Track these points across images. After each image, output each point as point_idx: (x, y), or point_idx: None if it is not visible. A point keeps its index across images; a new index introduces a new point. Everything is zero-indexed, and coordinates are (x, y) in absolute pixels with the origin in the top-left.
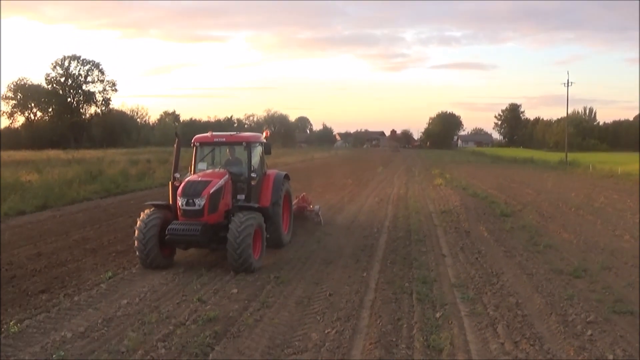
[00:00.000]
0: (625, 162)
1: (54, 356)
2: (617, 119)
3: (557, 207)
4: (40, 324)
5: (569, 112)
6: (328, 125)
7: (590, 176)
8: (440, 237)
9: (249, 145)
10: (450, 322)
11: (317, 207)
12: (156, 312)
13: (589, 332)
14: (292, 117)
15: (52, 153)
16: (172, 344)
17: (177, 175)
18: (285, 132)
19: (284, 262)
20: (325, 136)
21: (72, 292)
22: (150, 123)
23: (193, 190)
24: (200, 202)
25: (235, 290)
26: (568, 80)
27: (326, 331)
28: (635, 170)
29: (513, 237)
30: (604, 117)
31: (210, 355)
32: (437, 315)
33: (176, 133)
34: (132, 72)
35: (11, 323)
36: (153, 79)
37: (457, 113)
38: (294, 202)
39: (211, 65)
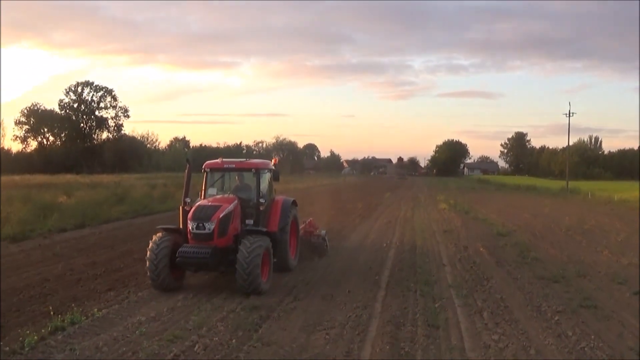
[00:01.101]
0: (623, 190)
1: (136, 332)
2: (623, 147)
3: (549, 229)
4: (117, 312)
5: (574, 141)
6: (336, 152)
7: (587, 203)
8: (441, 251)
9: (257, 171)
10: (446, 309)
11: (323, 231)
12: (209, 303)
13: (556, 318)
14: (300, 144)
15: (69, 177)
16: (229, 324)
17: (188, 200)
18: (293, 159)
19: (308, 269)
20: (333, 163)
21: (135, 290)
22: (161, 149)
23: (203, 215)
24: (210, 226)
25: (269, 291)
26: (570, 111)
27: (348, 315)
28: (630, 197)
29: (505, 252)
30: (610, 146)
31: (260, 331)
32: (436, 305)
33: (187, 159)
34: (141, 98)
35: (95, 310)
36: (162, 105)
37: (463, 141)
38: (301, 227)
39: (219, 91)
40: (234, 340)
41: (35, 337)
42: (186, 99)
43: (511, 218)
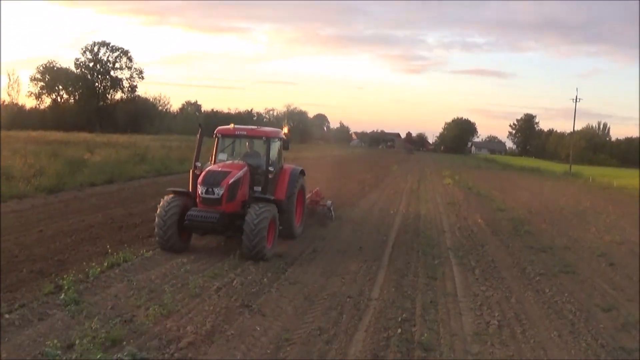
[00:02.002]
0: (624, 177)
1: (182, 269)
2: (630, 136)
3: (545, 207)
4: (162, 254)
5: (583, 126)
6: (345, 123)
7: (587, 187)
8: (443, 220)
9: (268, 140)
10: (443, 265)
11: (329, 202)
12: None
13: (538, 279)
14: (310, 114)
15: (86, 135)
16: (259, 267)
17: (199, 164)
18: (303, 128)
19: (323, 230)
20: (342, 134)
21: None
22: (172, 111)
23: (213, 180)
24: (219, 192)
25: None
26: (576, 96)
27: (360, 266)
28: (629, 185)
29: (501, 224)
30: (620, 133)
31: (286, 273)
32: (435, 262)
33: (199, 124)
34: (153, 59)
35: (143, 251)
36: (174, 67)
37: (473, 119)
38: (307, 196)
39: (232, 57)
40: (265, 279)
41: (98, 269)
42: (198, 63)
43: (511, 196)
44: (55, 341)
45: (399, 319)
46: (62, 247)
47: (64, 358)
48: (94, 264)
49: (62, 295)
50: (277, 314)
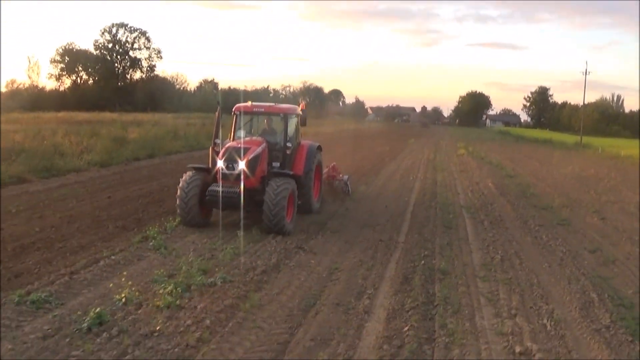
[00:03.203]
0: (631, 147)
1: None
2: None
3: (551, 174)
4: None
5: (597, 98)
6: (360, 98)
7: (596, 156)
8: (457, 184)
9: (286, 116)
10: (457, 219)
11: (346, 176)
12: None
13: (536, 229)
14: (326, 90)
15: (111, 115)
16: (304, 221)
17: (218, 140)
18: (319, 104)
19: (349, 199)
20: (358, 109)
21: None
22: (189, 90)
23: (233, 156)
24: (239, 167)
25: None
26: (586, 70)
27: (387, 219)
28: (635, 154)
29: (509, 188)
30: (634, 104)
31: (327, 224)
32: (450, 216)
33: (218, 102)
34: (170, 37)
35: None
36: (189, 45)
37: (487, 92)
38: (324, 171)
39: (247, 33)
40: (310, 229)
41: (174, 223)
42: (213, 40)
43: (521, 164)
44: (161, 270)
45: (422, 255)
46: (133, 209)
47: (171, 282)
48: (170, 218)
49: (152, 242)
50: (325, 252)
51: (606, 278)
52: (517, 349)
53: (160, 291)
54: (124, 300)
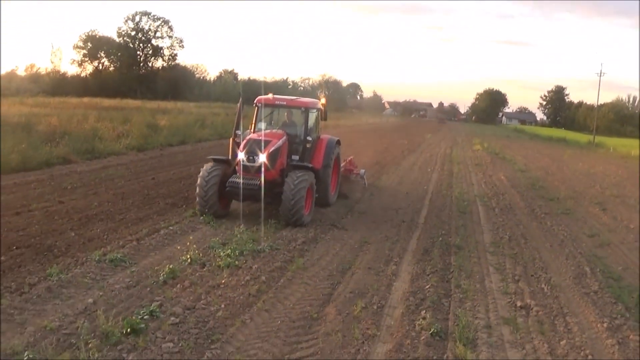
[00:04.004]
0: None
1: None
2: None
3: (561, 170)
4: None
5: (613, 98)
6: (378, 93)
7: (607, 155)
8: (472, 176)
9: (307, 110)
10: (471, 205)
11: (362, 170)
12: None
13: (542, 216)
14: (344, 83)
15: (136, 102)
16: (335, 204)
17: (239, 132)
18: (338, 97)
19: (372, 186)
20: (375, 103)
21: None
22: (209, 79)
23: (254, 148)
24: (260, 160)
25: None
26: (601, 71)
27: (407, 204)
28: None
29: (520, 181)
30: None
31: (354, 207)
32: (465, 203)
33: (240, 93)
34: (189, 28)
35: None
36: (208, 35)
37: (505, 90)
38: (342, 165)
39: (265, 23)
40: (341, 211)
41: None
42: (230, 29)
43: (533, 161)
44: (216, 239)
45: (440, 233)
46: (178, 189)
47: (227, 248)
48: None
49: (202, 217)
50: (355, 229)
51: (600, 257)
52: (518, 304)
53: (221, 254)
54: (189, 260)
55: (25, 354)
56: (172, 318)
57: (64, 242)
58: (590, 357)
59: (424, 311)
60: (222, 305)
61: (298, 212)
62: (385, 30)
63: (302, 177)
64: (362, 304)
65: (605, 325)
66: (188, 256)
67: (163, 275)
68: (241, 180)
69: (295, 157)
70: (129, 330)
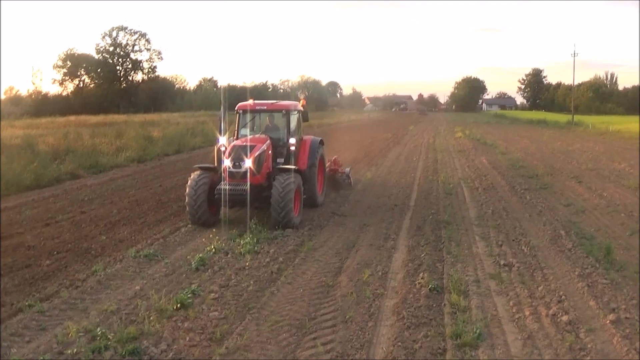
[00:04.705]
0: (620, 123)
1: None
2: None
3: (540, 150)
4: None
5: (591, 77)
6: (357, 89)
7: (586, 133)
8: (455, 162)
9: (287, 112)
10: (456, 188)
11: (347, 169)
12: None
13: (522, 191)
14: (323, 82)
15: (121, 117)
16: (332, 195)
17: (223, 139)
18: (318, 97)
19: (364, 178)
20: (355, 100)
21: None
22: (189, 89)
23: (239, 154)
24: (246, 165)
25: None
26: (574, 52)
27: (398, 191)
28: (623, 129)
29: (501, 163)
30: (629, 82)
31: (350, 196)
32: (450, 186)
33: (221, 101)
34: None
35: None
36: (186, 44)
37: (483, 77)
38: (327, 164)
39: (243, 24)
40: (338, 200)
41: None
42: (209, 34)
43: (513, 144)
44: (234, 231)
45: (430, 212)
46: (177, 198)
47: (245, 237)
48: None
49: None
50: (354, 215)
51: (575, 222)
52: (502, 262)
53: (241, 242)
54: (214, 250)
55: (98, 329)
56: (212, 294)
57: (98, 244)
58: (563, 297)
59: (422, 273)
60: (251, 282)
61: (288, 214)
62: (361, 24)
63: (289, 179)
64: (369, 272)
65: (576, 273)
66: (212, 247)
67: (194, 263)
68: (228, 187)
69: (280, 160)
70: (178, 305)
